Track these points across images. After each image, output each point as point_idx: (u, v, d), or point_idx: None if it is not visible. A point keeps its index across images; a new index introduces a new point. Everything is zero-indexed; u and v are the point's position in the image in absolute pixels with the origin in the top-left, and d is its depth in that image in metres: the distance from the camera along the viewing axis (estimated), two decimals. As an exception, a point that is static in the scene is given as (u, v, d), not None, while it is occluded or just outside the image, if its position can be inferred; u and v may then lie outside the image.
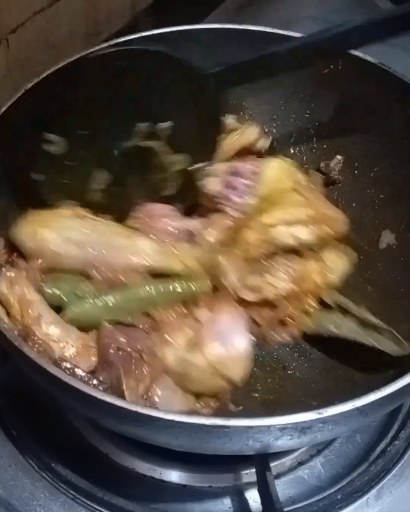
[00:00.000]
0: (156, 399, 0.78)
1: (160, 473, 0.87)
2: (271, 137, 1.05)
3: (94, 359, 0.80)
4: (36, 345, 0.78)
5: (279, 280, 0.88)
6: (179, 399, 0.79)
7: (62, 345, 0.79)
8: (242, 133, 1.01)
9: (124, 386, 0.76)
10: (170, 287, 0.84)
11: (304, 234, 0.91)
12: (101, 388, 0.75)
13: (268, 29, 0.98)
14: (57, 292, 0.83)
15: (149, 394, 0.78)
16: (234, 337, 0.80)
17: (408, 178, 0.93)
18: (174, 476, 0.87)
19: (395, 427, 0.91)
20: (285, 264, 0.89)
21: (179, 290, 0.84)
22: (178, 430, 0.63)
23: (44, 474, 0.85)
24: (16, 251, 0.87)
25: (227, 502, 0.85)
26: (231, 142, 0.99)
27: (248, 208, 0.92)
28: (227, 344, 0.80)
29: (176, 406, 0.78)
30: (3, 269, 0.83)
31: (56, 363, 0.76)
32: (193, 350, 0.80)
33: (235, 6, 1.44)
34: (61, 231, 0.84)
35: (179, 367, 0.80)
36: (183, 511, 0.85)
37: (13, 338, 0.68)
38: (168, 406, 0.77)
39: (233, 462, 0.86)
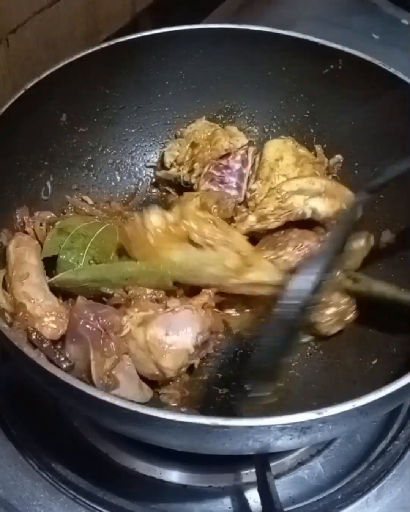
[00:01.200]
0: (119, 379, 0.80)
1: (160, 473, 0.87)
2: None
3: (57, 329, 0.82)
4: (24, 322, 0.81)
5: (292, 255, 0.90)
6: (134, 387, 0.81)
7: (35, 305, 0.83)
8: (230, 137, 1.02)
9: (92, 357, 0.78)
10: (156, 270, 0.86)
11: (321, 206, 0.93)
12: (65, 366, 0.77)
13: (268, 29, 0.98)
14: (57, 242, 0.89)
15: (114, 372, 0.80)
16: (181, 333, 0.82)
17: (408, 178, 0.93)
18: (174, 476, 0.87)
19: (395, 427, 0.90)
20: (299, 241, 0.91)
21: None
22: (178, 430, 0.63)
23: (44, 474, 0.85)
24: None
25: (227, 502, 0.85)
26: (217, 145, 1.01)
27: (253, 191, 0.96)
28: (170, 334, 0.82)
29: (130, 393, 0.80)
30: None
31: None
32: (140, 326, 0.82)
33: (235, 6, 1.44)
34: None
35: (124, 339, 0.82)
36: (183, 511, 0.85)
37: (13, 338, 0.68)
38: (125, 392, 0.79)
39: (233, 462, 0.86)
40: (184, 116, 1.06)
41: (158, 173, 1.06)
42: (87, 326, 0.81)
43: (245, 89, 1.05)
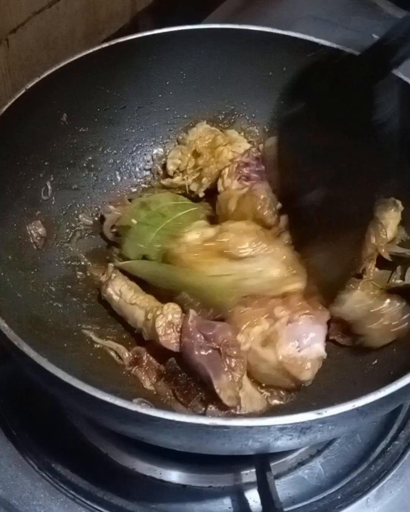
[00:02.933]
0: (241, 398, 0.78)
1: (160, 473, 0.87)
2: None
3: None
4: None
5: None
6: (249, 403, 0.79)
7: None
8: (230, 144, 1.03)
9: (215, 385, 0.76)
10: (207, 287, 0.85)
11: None
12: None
13: (268, 29, 0.98)
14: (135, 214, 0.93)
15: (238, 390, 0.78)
16: (312, 342, 0.80)
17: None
18: (174, 476, 0.87)
19: (395, 427, 0.91)
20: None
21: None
22: (178, 430, 0.63)
23: (44, 474, 0.85)
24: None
25: (227, 502, 0.85)
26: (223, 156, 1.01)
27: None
28: (303, 347, 0.80)
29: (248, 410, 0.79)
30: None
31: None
32: (267, 346, 0.80)
33: (235, 6, 1.44)
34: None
35: (249, 359, 0.80)
36: (183, 511, 0.85)
37: (13, 337, 0.68)
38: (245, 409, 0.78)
39: (233, 462, 0.86)
40: (185, 116, 1.06)
41: (163, 182, 1.06)
42: (202, 351, 0.78)
43: (245, 89, 1.05)
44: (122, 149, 1.05)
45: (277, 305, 0.82)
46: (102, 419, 0.74)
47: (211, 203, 1.01)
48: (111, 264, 0.93)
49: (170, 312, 0.82)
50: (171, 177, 1.05)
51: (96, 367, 0.84)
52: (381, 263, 0.92)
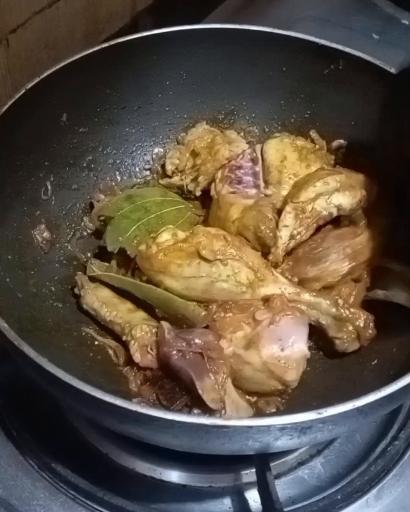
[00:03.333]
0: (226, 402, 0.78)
1: (160, 473, 0.87)
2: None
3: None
4: None
5: (338, 262, 0.89)
6: (234, 409, 0.79)
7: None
8: (229, 144, 1.02)
9: (198, 387, 0.75)
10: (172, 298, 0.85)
11: (344, 200, 0.91)
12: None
13: (268, 29, 0.98)
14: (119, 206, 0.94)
15: (223, 394, 0.77)
16: (294, 342, 0.80)
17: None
18: (174, 476, 0.87)
19: (395, 427, 0.91)
20: (339, 244, 0.90)
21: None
22: (178, 430, 0.63)
23: (44, 474, 0.85)
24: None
25: (227, 502, 0.85)
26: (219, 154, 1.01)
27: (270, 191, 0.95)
28: (286, 348, 0.80)
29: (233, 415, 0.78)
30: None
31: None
32: (250, 348, 0.80)
33: (235, 6, 1.44)
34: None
35: (233, 363, 0.80)
36: (183, 511, 0.85)
37: (13, 337, 0.68)
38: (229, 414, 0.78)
39: (233, 462, 0.86)
40: (185, 116, 1.06)
41: (162, 182, 1.06)
42: (182, 356, 0.78)
43: (245, 89, 1.04)
44: (122, 149, 1.06)
45: (258, 310, 0.82)
46: (102, 419, 0.74)
47: (205, 202, 1.01)
48: (79, 274, 0.93)
49: (141, 335, 0.82)
50: (170, 177, 1.05)
51: (96, 367, 0.84)
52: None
